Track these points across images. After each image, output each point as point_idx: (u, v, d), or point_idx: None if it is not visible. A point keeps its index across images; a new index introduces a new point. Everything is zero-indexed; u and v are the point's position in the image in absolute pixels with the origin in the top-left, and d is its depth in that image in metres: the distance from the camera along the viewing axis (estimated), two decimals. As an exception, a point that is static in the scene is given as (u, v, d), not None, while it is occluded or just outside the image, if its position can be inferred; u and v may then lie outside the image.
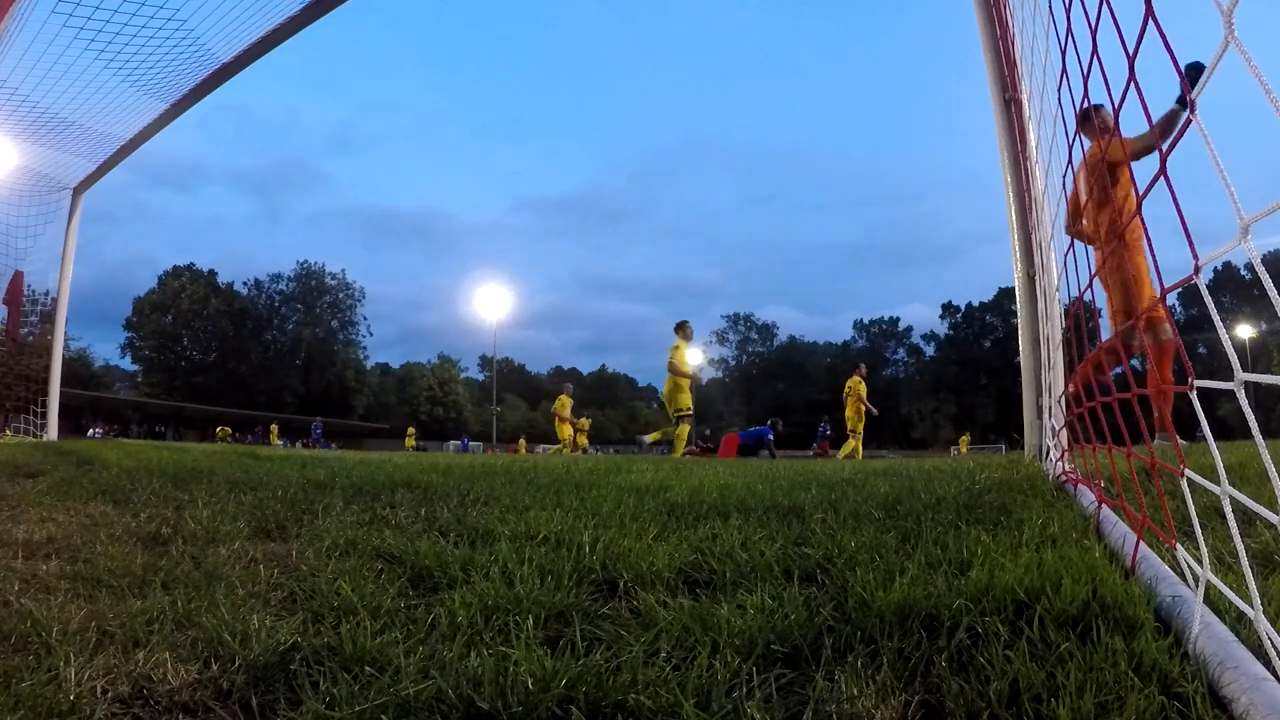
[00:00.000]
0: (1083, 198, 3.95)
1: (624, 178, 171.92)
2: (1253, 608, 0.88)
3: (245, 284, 70.60)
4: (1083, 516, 1.77)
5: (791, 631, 1.13)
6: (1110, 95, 1.21)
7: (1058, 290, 2.71)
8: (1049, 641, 1.02)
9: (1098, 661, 0.95)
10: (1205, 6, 0.82)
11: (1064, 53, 1.64)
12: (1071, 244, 2.15)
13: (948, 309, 77.90)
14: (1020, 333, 3.28)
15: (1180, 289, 1.00)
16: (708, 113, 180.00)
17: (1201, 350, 49.69)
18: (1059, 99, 1.85)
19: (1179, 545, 1.15)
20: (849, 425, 13.22)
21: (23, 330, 9.84)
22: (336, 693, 0.98)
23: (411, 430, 41.75)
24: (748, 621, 1.15)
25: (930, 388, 73.59)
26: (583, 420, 20.12)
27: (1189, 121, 0.88)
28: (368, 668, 1.05)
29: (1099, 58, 1.33)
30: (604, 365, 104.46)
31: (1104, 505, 1.71)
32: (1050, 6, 1.91)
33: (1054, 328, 2.78)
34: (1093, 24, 1.30)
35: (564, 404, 16.31)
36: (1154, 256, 1.19)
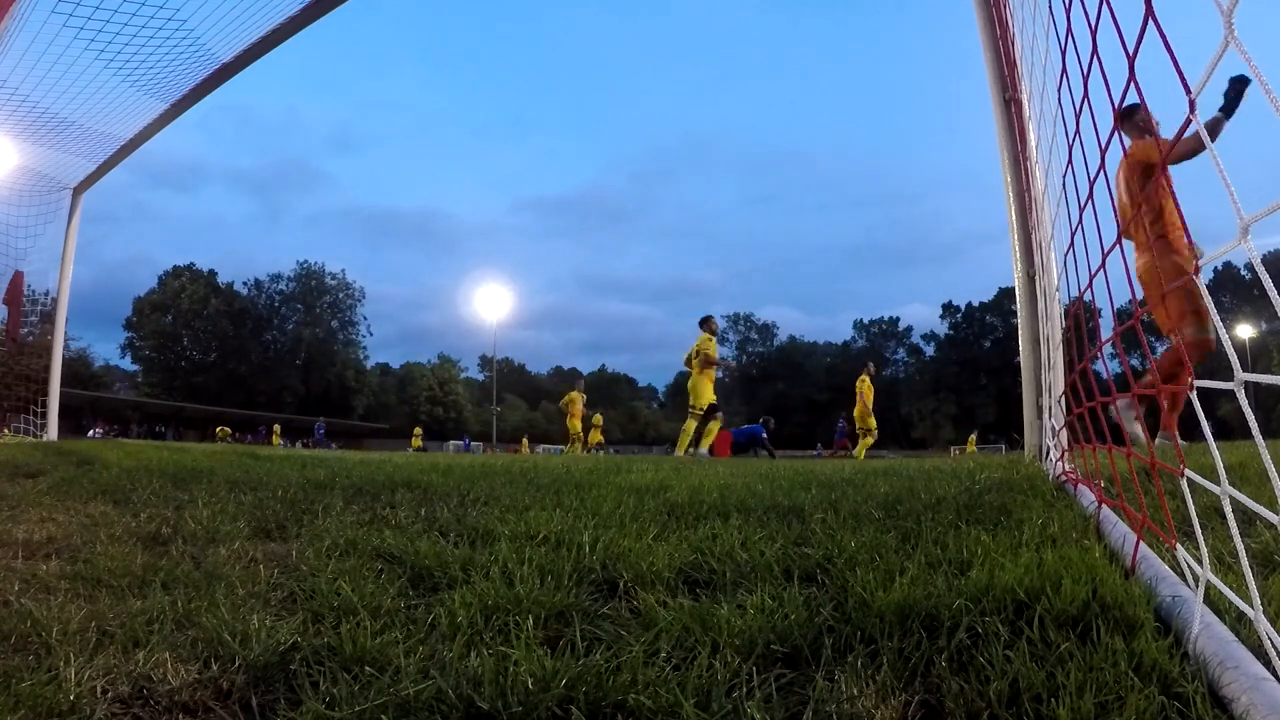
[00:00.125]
0: (1121, 195, 4.00)
1: (624, 178, 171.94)
2: (1253, 608, 0.88)
3: (245, 284, 70.73)
4: (1083, 516, 1.77)
5: (791, 631, 1.13)
6: (1110, 95, 1.22)
7: (1058, 290, 2.71)
8: (1049, 641, 1.02)
9: (1098, 661, 0.95)
10: (1205, 6, 0.82)
11: (1064, 53, 1.64)
12: (1071, 244, 2.15)
13: (948, 309, 77.93)
14: (1020, 333, 3.28)
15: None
16: (708, 113, 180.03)
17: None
18: (1059, 99, 1.85)
19: (1179, 545, 1.15)
20: (858, 424, 13.38)
21: (23, 330, 9.85)
22: (336, 693, 0.98)
23: (418, 431, 41.68)
24: (748, 621, 1.15)
25: (930, 388, 73.59)
26: (596, 417, 20.16)
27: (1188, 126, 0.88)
28: (368, 668, 1.05)
29: (1099, 58, 1.33)
30: (604, 365, 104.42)
31: (1104, 505, 1.71)
32: (1050, 6, 1.91)
33: (1054, 328, 2.78)
34: (1093, 24, 1.30)
35: (575, 399, 16.49)
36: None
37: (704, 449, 10.54)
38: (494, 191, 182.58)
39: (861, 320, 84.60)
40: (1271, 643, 0.85)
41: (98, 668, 1.07)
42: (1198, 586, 1.04)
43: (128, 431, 41.25)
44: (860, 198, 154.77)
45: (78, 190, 9.11)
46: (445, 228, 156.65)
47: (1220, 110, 3.89)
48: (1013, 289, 3.36)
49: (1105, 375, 1.68)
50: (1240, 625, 1.01)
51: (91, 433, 33.07)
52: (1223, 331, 0.96)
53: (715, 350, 10.56)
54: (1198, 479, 1.08)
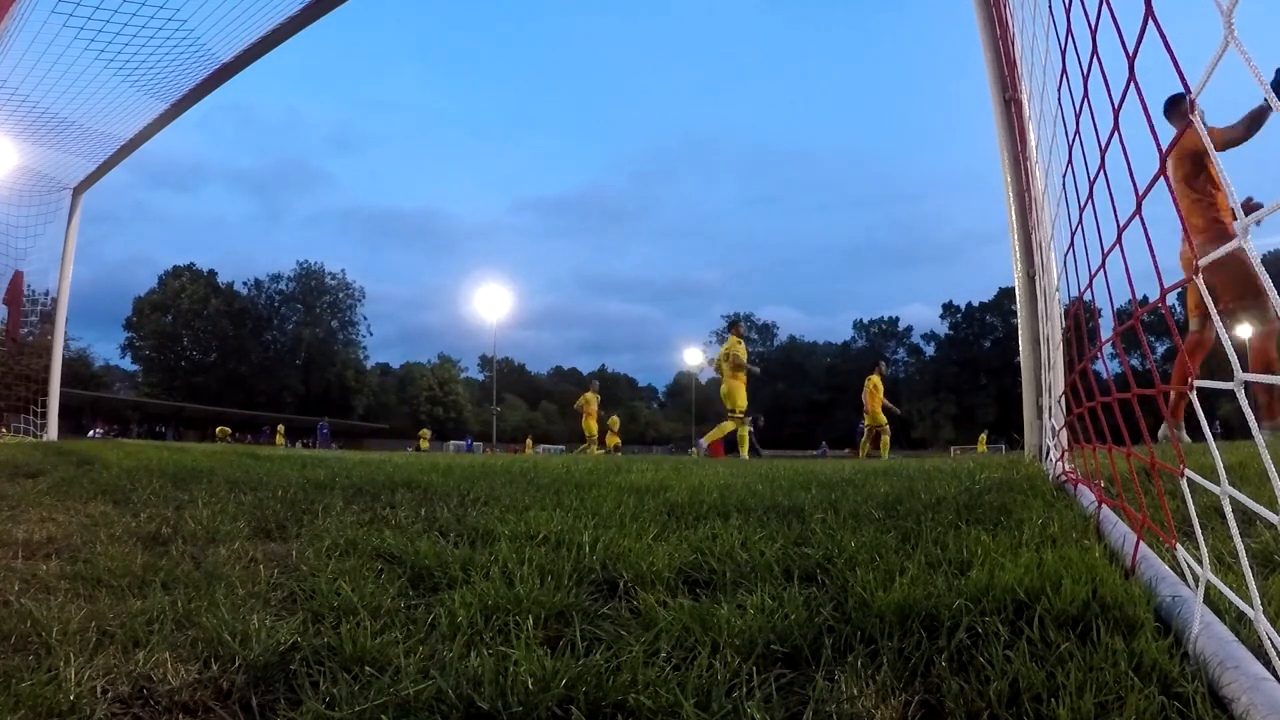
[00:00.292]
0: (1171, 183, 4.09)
1: (624, 178, 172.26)
2: (1253, 608, 0.88)
3: (245, 284, 70.78)
4: (1083, 516, 1.77)
5: (791, 631, 1.13)
6: (1110, 95, 1.21)
7: (1058, 290, 2.71)
8: (1049, 641, 1.02)
9: (1098, 661, 0.95)
10: (1205, 6, 0.82)
11: (1064, 53, 1.64)
12: (1071, 244, 2.15)
13: (948, 309, 78.02)
14: (1020, 333, 3.28)
15: (1180, 289, 1.00)
16: (708, 113, 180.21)
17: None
18: (1059, 99, 1.85)
19: (1179, 545, 1.15)
20: (869, 420, 13.46)
21: (23, 330, 9.85)
22: (336, 693, 0.98)
23: (425, 433, 41.62)
24: (748, 621, 1.15)
25: (930, 388, 73.64)
26: (613, 420, 20.22)
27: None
28: (368, 668, 1.05)
29: (1099, 58, 1.33)
30: (604, 365, 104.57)
31: (1104, 505, 1.71)
32: (1050, 6, 1.90)
33: (1054, 328, 2.78)
34: (1093, 24, 1.30)
35: (590, 400, 16.64)
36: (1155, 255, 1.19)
37: (705, 444, 10.59)
38: (494, 191, 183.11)
39: (861, 320, 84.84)
40: (1271, 643, 0.85)
41: (98, 668, 1.07)
42: (1198, 586, 1.04)
43: (128, 431, 41.26)
44: (860, 198, 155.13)
45: (78, 190, 9.11)
46: (445, 228, 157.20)
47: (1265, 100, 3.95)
48: (1013, 289, 3.36)
49: (1105, 375, 1.68)
50: (1240, 625, 1.01)
51: (91, 433, 33.08)
52: (1223, 332, 0.96)
53: (745, 353, 10.69)
54: (1198, 479, 1.08)
